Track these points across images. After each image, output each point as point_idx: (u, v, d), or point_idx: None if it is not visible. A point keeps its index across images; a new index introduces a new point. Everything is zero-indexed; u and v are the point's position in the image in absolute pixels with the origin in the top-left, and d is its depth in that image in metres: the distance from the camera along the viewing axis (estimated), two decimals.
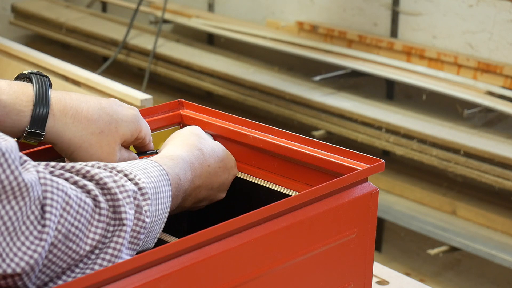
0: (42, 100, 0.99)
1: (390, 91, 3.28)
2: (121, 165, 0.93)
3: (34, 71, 1.04)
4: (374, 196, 1.04)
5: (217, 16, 3.86)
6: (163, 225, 0.95)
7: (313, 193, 0.96)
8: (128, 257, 0.88)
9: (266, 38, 3.47)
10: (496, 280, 2.93)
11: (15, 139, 0.94)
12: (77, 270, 0.84)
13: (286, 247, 0.94)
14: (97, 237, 0.85)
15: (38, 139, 1.00)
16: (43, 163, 0.86)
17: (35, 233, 0.78)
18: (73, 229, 0.83)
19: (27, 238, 0.78)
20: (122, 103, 1.08)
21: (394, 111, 3.03)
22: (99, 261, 0.85)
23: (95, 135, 1.03)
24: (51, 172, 0.85)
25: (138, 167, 0.95)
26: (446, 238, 2.76)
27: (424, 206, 2.95)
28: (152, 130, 1.18)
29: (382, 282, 1.31)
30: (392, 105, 3.12)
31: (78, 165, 0.89)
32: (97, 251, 0.86)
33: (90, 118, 1.02)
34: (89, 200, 0.85)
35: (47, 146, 1.07)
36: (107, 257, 0.86)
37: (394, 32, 3.26)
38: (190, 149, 1.07)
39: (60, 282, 0.83)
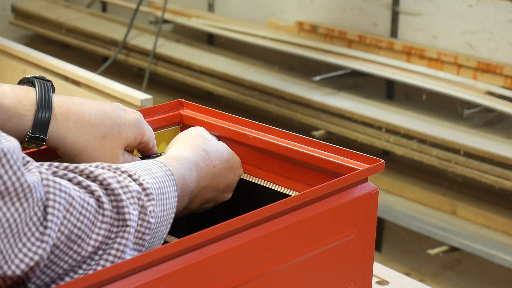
0: (44, 105, 0.99)
1: (390, 91, 3.28)
2: (125, 166, 0.93)
3: (37, 75, 1.04)
4: (374, 196, 1.04)
5: (217, 16, 3.86)
6: (169, 226, 0.95)
7: (313, 193, 0.96)
8: None
9: (266, 38, 3.47)
10: (496, 280, 2.93)
11: None
12: (80, 271, 0.84)
13: (286, 247, 0.94)
14: (100, 238, 0.85)
15: (40, 143, 1.00)
16: (47, 163, 0.86)
17: (37, 234, 0.78)
18: (75, 230, 0.83)
19: (28, 239, 0.78)
20: (125, 107, 1.08)
21: (394, 111, 3.03)
22: (102, 262, 0.85)
23: (97, 140, 1.02)
24: (54, 173, 0.85)
25: (142, 167, 0.95)
26: (446, 238, 2.76)
27: (424, 206, 2.95)
28: (153, 130, 1.18)
29: (382, 282, 1.31)
30: (392, 105, 3.12)
31: (81, 165, 0.88)
32: (100, 252, 0.85)
33: (92, 122, 1.02)
34: (92, 201, 0.85)
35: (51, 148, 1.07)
36: (110, 258, 0.86)
37: (394, 32, 3.26)
38: (195, 150, 1.07)
39: (62, 283, 0.83)
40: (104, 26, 4.04)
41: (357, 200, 1.01)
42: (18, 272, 0.77)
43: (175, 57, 3.63)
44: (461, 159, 2.73)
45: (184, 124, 1.25)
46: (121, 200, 0.87)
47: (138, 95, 1.85)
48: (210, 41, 3.99)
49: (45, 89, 1.00)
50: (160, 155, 1.10)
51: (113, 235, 0.86)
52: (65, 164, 0.88)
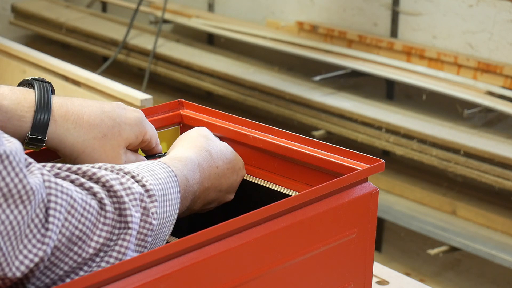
0: (43, 106, 0.99)
1: (390, 91, 3.28)
2: (128, 167, 0.93)
3: (37, 77, 1.04)
4: (374, 196, 1.04)
5: (217, 16, 3.86)
6: (172, 227, 0.95)
7: (313, 193, 0.96)
8: None
9: (266, 38, 3.47)
10: (496, 280, 2.93)
11: None
12: (81, 273, 0.84)
13: (286, 247, 0.94)
14: (101, 240, 0.85)
15: (40, 145, 1.00)
16: (49, 164, 0.86)
17: (38, 236, 0.78)
18: (77, 232, 0.82)
19: (30, 241, 0.77)
20: (126, 106, 1.08)
21: (394, 111, 3.03)
22: (103, 264, 0.85)
23: (97, 140, 1.02)
24: (57, 174, 0.85)
25: (146, 168, 0.95)
26: (446, 238, 2.76)
27: (424, 206, 2.95)
28: None
29: (382, 282, 1.31)
30: (392, 105, 3.12)
31: (84, 166, 0.88)
32: (101, 254, 0.85)
33: (92, 122, 1.02)
34: (94, 203, 0.85)
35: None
36: (112, 260, 0.85)
37: (394, 32, 3.26)
38: (199, 151, 1.07)
39: None
40: (104, 26, 4.04)
41: (357, 200, 1.01)
42: (18, 274, 0.76)
43: (175, 57, 3.63)
44: (461, 159, 2.73)
45: (184, 124, 1.25)
46: (123, 202, 0.87)
47: (138, 95, 1.85)
48: (210, 41, 3.99)
49: (44, 91, 1.00)
50: (164, 155, 1.10)
51: (114, 237, 0.86)
52: (68, 165, 0.87)
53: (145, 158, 1.09)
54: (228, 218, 0.89)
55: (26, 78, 1.04)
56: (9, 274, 0.76)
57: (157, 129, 1.21)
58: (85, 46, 4.03)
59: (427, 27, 3.15)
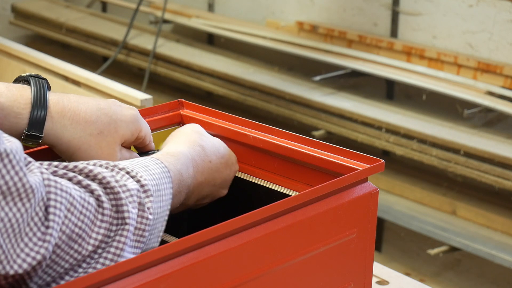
0: (40, 103, 0.99)
1: (390, 91, 3.28)
2: (122, 163, 0.93)
3: (33, 74, 1.04)
4: (374, 196, 1.04)
5: (217, 16, 3.86)
6: (165, 223, 0.95)
7: (313, 193, 0.96)
8: (131, 256, 0.88)
9: (266, 38, 3.47)
10: (496, 280, 2.93)
11: None
12: (80, 270, 0.84)
13: (286, 247, 0.94)
14: (99, 237, 0.85)
15: (37, 141, 1.00)
16: (46, 162, 0.86)
17: (38, 234, 0.78)
18: (76, 230, 0.83)
19: (30, 239, 0.78)
20: (121, 103, 1.08)
21: (394, 111, 3.03)
22: (101, 260, 0.86)
23: (94, 136, 1.03)
24: (54, 172, 0.86)
25: (139, 164, 0.95)
26: (446, 238, 2.76)
27: (424, 206, 2.95)
28: (152, 130, 1.18)
29: (382, 282, 1.31)
30: (392, 105, 3.12)
31: (80, 164, 0.89)
32: (99, 251, 0.86)
33: (88, 119, 1.02)
34: (92, 200, 0.85)
35: (48, 146, 1.07)
36: (110, 256, 0.86)
37: (394, 32, 3.26)
38: (192, 146, 1.08)
39: (62, 282, 0.83)
40: (104, 26, 4.04)
41: (357, 200, 1.01)
42: (20, 271, 0.77)
43: (175, 57, 3.63)
44: (461, 159, 2.73)
45: (184, 124, 1.25)
46: (120, 199, 0.87)
47: (138, 95, 1.85)
48: (210, 41, 3.99)
49: (41, 87, 1.00)
50: (157, 151, 1.10)
51: (112, 234, 0.86)
52: (64, 164, 0.88)
53: (138, 155, 1.09)
54: (228, 218, 0.89)
55: (22, 75, 1.04)
56: (11, 272, 0.76)
57: (157, 129, 1.21)
58: (85, 46, 4.03)
59: (427, 27, 3.15)
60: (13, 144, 0.77)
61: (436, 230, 2.80)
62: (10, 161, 0.75)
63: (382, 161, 1.04)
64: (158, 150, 1.11)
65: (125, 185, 0.88)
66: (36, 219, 0.78)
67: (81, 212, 0.83)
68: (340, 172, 1.06)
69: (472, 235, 2.74)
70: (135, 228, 0.89)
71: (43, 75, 1.78)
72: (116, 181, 0.88)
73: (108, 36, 3.91)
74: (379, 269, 1.34)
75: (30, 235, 0.78)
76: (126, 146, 1.08)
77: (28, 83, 1.02)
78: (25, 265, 0.77)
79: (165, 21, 3.84)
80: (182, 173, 1.01)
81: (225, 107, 3.60)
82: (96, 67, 3.82)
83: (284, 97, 3.22)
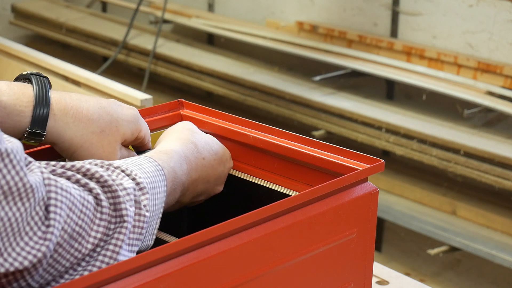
0: (42, 101, 0.99)
1: (390, 91, 3.28)
2: (117, 162, 0.93)
3: (33, 72, 1.04)
4: (374, 196, 1.04)
5: (217, 16, 3.86)
6: (159, 221, 0.96)
7: (313, 193, 0.96)
8: (129, 254, 0.88)
9: (266, 38, 3.47)
10: (496, 280, 2.93)
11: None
12: (79, 268, 0.85)
13: (286, 247, 0.94)
14: (99, 235, 0.86)
15: (39, 139, 1.00)
16: (44, 162, 0.87)
17: (39, 233, 0.79)
18: (77, 228, 0.83)
19: (31, 238, 0.78)
20: (121, 103, 1.08)
21: (394, 111, 3.03)
22: (100, 257, 0.86)
23: (96, 134, 1.03)
24: (52, 171, 0.86)
25: (133, 163, 0.95)
26: (446, 238, 2.76)
27: (424, 206, 2.95)
28: (152, 130, 1.19)
29: (382, 282, 1.31)
30: (392, 105, 3.12)
31: (77, 163, 0.89)
32: (98, 249, 0.86)
33: (90, 117, 1.02)
34: (91, 199, 0.86)
35: (47, 146, 1.08)
36: (108, 253, 0.86)
37: (394, 32, 3.26)
38: (184, 143, 1.08)
39: (62, 281, 0.83)
40: (104, 26, 4.04)
41: (357, 200, 1.01)
42: (21, 268, 0.77)
43: (175, 57, 3.63)
44: (461, 159, 2.73)
45: None
46: (118, 197, 0.87)
47: (138, 95, 1.85)
48: (210, 41, 3.99)
49: (42, 85, 1.00)
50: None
51: (111, 232, 0.87)
52: (62, 163, 0.88)
53: (136, 154, 1.10)
54: (228, 218, 0.89)
55: (23, 73, 1.04)
56: (11, 269, 0.76)
57: (157, 129, 1.21)
58: (85, 46, 4.03)
59: (427, 27, 3.15)
60: (14, 144, 0.77)
61: (436, 230, 2.80)
62: (11, 160, 0.76)
63: (382, 161, 1.04)
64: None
65: (121, 184, 0.89)
66: (36, 218, 0.78)
67: (81, 211, 0.84)
68: (340, 172, 1.06)
69: (472, 235, 2.74)
70: (133, 226, 0.89)
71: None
72: (113, 180, 0.89)
73: (108, 36, 3.91)
74: (379, 269, 1.34)
75: (31, 234, 0.78)
76: (126, 145, 1.08)
77: (30, 81, 1.02)
78: (26, 263, 0.77)
79: (165, 21, 3.84)
80: (176, 171, 1.01)
81: (225, 107, 3.60)
82: (96, 67, 3.82)
83: (284, 97, 3.22)
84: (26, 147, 1.04)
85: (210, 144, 1.12)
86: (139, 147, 1.12)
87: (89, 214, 0.85)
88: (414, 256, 3.13)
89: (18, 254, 0.77)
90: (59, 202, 0.81)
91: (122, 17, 4.18)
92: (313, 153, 1.10)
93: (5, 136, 0.79)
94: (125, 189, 0.89)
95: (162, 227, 0.99)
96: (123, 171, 0.92)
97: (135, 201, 0.90)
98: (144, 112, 1.20)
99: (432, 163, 2.83)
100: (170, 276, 0.82)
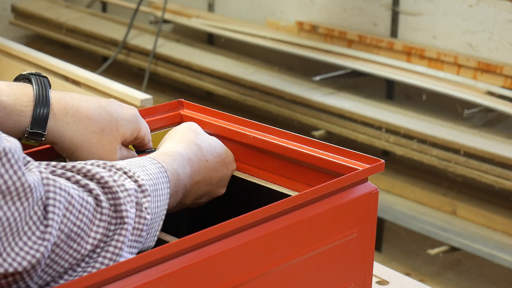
0: (42, 100, 0.99)
1: (390, 91, 3.28)
2: (120, 163, 0.93)
3: (33, 72, 1.04)
4: (374, 196, 1.04)
5: (217, 16, 3.86)
6: (161, 223, 0.95)
7: (313, 193, 0.96)
8: (129, 255, 0.88)
9: (266, 38, 3.47)
10: (496, 280, 2.93)
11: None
12: (79, 269, 0.85)
13: (286, 247, 0.94)
14: (98, 236, 0.85)
15: (40, 139, 1.00)
16: (44, 162, 0.86)
17: (37, 233, 0.79)
18: (75, 229, 0.83)
19: (29, 238, 0.78)
20: (121, 103, 1.09)
21: (394, 111, 3.03)
22: (100, 259, 0.86)
23: (96, 134, 1.03)
24: (52, 172, 0.86)
25: (136, 164, 0.95)
26: (446, 238, 2.76)
27: (424, 206, 2.95)
28: (152, 130, 1.19)
29: (382, 282, 1.31)
30: (392, 105, 3.12)
31: (78, 164, 0.89)
32: (98, 250, 0.86)
33: (91, 117, 1.02)
34: (91, 200, 0.85)
35: (47, 146, 1.08)
36: (108, 255, 0.86)
37: (394, 32, 3.26)
38: (188, 145, 1.08)
39: (62, 281, 0.83)
40: (104, 26, 4.04)
41: (357, 200, 1.01)
42: (20, 269, 0.77)
43: (175, 57, 3.63)
44: (461, 159, 2.73)
45: None
46: (118, 198, 0.87)
47: (138, 95, 1.85)
48: (210, 41, 3.99)
49: (42, 85, 1.01)
50: (154, 150, 1.10)
51: (111, 233, 0.87)
52: (62, 164, 0.88)
53: (136, 154, 1.10)
54: (227, 218, 0.89)
55: (23, 73, 1.04)
56: (10, 270, 0.76)
57: (157, 129, 1.21)
58: (85, 46, 4.03)
59: (427, 27, 3.15)
60: (12, 143, 0.77)
61: (436, 230, 2.80)
62: (9, 160, 0.76)
63: (382, 161, 1.04)
64: (155, 149, 1.11)
65: (123, 185, 0.89)
66: (34, 218, 0.78)
67: (79, 211, 0.84)
68: (340, 172, 1.06)
69: (472, 235, 2.74)
70: (133, 228, 0.89)
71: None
72: (114, 181, 0.88)
73: (108, 36, 3.91)
74: (379, 269, 1.34)
75: (29, 234, 0.78)
76: (126, 145, 1.08)
77: (29, 81, 1.02)
78: (25, 263, 0.77)
79: (165, 21, 3.84)
80: (179, 173, 1.01)
81: (225, 107, 3.60)
82: (96, 67, 3.82)
83: (284, 97, 3.22)
84: (26, 147, 1.04)
85: (214, 146, 1.12)
86: (139, 147, 1.12)
87: (88, 215, 0.85)
88: (414, 256, 3.13)
89: (17, 254, 0.77)
90: (58, 202, 0.81)
91: (122, 17, 4.18)
92: (313, 153, 1.10)
93: (4, 135, 0.79)
94: (126, 190, 0.89)
95: (162, 227, 0.99)
96: (125, 172, 0.91)
97: (137, 203, 0.90)
98: (144, 112, 1.20)
99: (432, 163, 2.83)
100: (170, 276, 0.82)
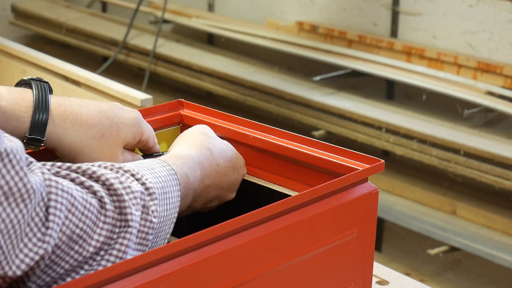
0: (41, 106, 0.99)
1: (390, 91, 3.28)
2: (128, 165, 0.93)
3: (34, 77, 1.04)
4: (374, 196, 1.04)
5: (217, 16, 3.86)
6: (172, 226, 0.95)
7: (313, 193, 0.96)
8: None
9: (266, 38, 3.47)
10: (496, 280, 2.93)
11: None
12: (82, 271, 0.84)
13: (286, 247, 0.94)
14: (101, 238, 0.85)
15: (38, 144, 1.00)
16: (49, 163, 0.86)
17: (38, 235, 0.78)
18: (77, 231, 0.83)
19: (30, 240, 0.78)
20: (123, 106, 1.08)
21: (394, 111, 3.03)
22: (103, 262, 0.85)
23: (95, 139, 1.02)
24: (57, 173, 0.85)
25: (145, 166, 0.95)
26: (446, 238, 2.76)
27: (424, 206, 2.95)
28: None
29: (382, 282, 1.31)
30: (392, 105, 3.12)
31: (84, 165, 0.88)
32: (102, 253, 0.85)
33: (90, 122, 1.02)
34: (94, 202, 0.85)
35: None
36: (112, 258, 0.86)
37: (394, 32, 3.26)
38: (199, 149, 1.07)
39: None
40: (104, 26, 4.04)
41: (357, 200, 1.01)
42: (18, 272, 0.77)
43: (175, 57, 3.63)
44: (461, 159, 2.73)
45: (184, 124, 1.25)
46: (124, 201, 0.87)
47: (138, 95, 1.85)
48: (210, 41, 3.99)
49: (42, 91, 1.00)
50: (162, 154, 1.10)
51: (115, 236, 0.86)
52: (68, 164, 0.88)
53: (142, 158, 1.09)
54: (228, 218, 0.89)
55: (24, 78, 1.04)
56: (10, 273, 0.76)
57: (157, 129, 1.21)
58: (85, 46, 4.03)
59: (427, 27, 3.15)
60: (14, 144, 0.77)
61: (436, 230, 2.80)
62: (10, 160, 0.75)
63: (382, 161, 1.04)
64: (163, 152, 1.10)
65: (129, 187, 0.88)
66: (36, 219, 0.78)
67: (82, 213, 0.83)
68: (340, 172, 1.06)
69: (472, 235, 2.74)
70: (138, 230, 0.88)
71: (43, 75, 1.79)
72: (120, 183, 0.88)
73: (108, 36, 3.91)
74: (379, 269, 1.34)
75: (30, 235, 0.78)
76: (129, 148, 1.08)
77: (30, 87, 1.02)
78: (23, 266, 0.77)
79: (165, 21, 3.84)
80: (189, 176, 1.01)
81: (225, 107, 3.60)
82: (96, 67, 3.82)
83: (284, 97, 3.22)
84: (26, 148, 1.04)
85: (225, 150, 1.11)
86: (145, 151, 1.12)
87: (92, 217, 0.84)
88: (414, 256, 3.13)
89: (17, 256, 0.77)
90: (59, 204, 0.80)
91: (122, 17, 4.18)
92: (313, 153, 1.10)
93: (6, 135, 0.79)
94: (132, 192, 0.88)
95: None
96: (133, 174, 0.91)
97: (143, 206, 0.89)
98: (144, 112, 1.20)
99: (432, 163, 2.83)
100: (170, 276, 0.82)
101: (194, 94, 3.89)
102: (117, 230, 0.86)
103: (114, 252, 0.86)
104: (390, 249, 3.19)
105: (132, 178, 0.90)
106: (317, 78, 3.22)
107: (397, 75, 3.02)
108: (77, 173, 0.87)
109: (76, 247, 0.83)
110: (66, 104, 1.02)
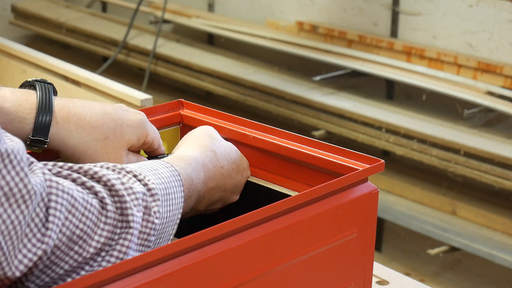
0: (45, 108, 0.99)
1: (390, 91, 3.28)
2: (130, 166, 0.92)
3: (39, 78, 1.04)
4: (374, 196, 1.04)
5: (217, 16, 3.86)
6: (176, 227, 0.95)
7: (313, 193, 0.96)
8: None
9: (266, 38, 3.47)
10: (496, 280, 2.93)
11: None
12: (83, 272, 0.84)
13: (286, 247, 0.94)
14: (102, 239, 0.85)
15: (42, 146, 1.00)
16: (51, 163, 0.86)
17: (38, 235, 0.78)
18: (77, 231, 0.82)
19: (29, 240, 0.77)
20: (128, 108, 1.08)
21: (394, 111, 3.03)
22: (104, 263, 0.85)
23: (99, 141, 1.02)
24: (58, 173, 0.85)
25: (148, 168, 0.94)
26: (446, 238, 2.76)
27: (424, 206, 2.95)
28: None
29: (382, 282, 1.31)
30: (392, 105, 3.12)
31: (86, 166, 0.88)
32: (103, 254, 0.85)
33: (94, 124, 1.02)
34: (95, 202, 0.85)
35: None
36: (113, 259, 0.86)
37: (394, 32, 3.26)
38: (203, 150, 1.07)
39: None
40: (104, 26, 4.04)
41: (357, 200, 1.01)
42: (17, 273, 0.76)
43: (175, 57, 3.63)
44: (461, 159, 2.73)
45: (184, 124, 1.25)
46: (125, 202, 0.86)
47: (138, 95, 1.85)
48: (210, 41, 3.99)
49: (46, 92, 1.00)
50: (167, 155, 1.10)
51: (116, 237, 0.86)
52: (70, 164, 0.87)
53: (146, 159, 1.09)
54: (228, 218, 0.89)
55: (28, 80, 1.04)
56: (9, 274, 0.76)
57: (157, 129, 1.21)
58: (85, 46, 4.03)
59: (427, 27, 3.15)
60: (15, 144, 0.77)
61: (436, 230, 2.80)
62: (11, 161, 0.75)
63: (382, 161, 1.04)
64: (168, 154, 1.10)
65: (131, 188, 0.88)
66: (36, 220, 0.78)
67: (83, 214, 0.83)
68: (340, 172, 1.06)
69: (472, 235, 2.74)
70: (140, 232, 0.88)
71: (43, 75, 1.79)
72: (122, 184, 0.87)
73: (108, 36, 3.91)
74: (379, 269, 1.34)
75: (30, 236, 0.78)
76: (133, 150, 1.08)
77: (34, 88, 1.01)
78: (21, 267, 0.77)
79: (165, 21, 3.84)
80: (192, 178, 1.00)
81: (225, 107, 3.60)
82: (96, 67, 3.82)
83: (284, 97, 3.22)
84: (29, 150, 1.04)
85: (229, 152, 1.11)
86: (150, 152, 1.11)
87: (92, 218, 0.84)
88: (414, 256, 3.13)
89: (15, 257, 0.76)
90: (59, 205, 0.80)
91: (122, 17, 4.18)
92: (313, 153, 1.10)
93: (8, 134, 0.78)
94: (133, 193, 0.88)
95: None
96: (135, 175, 0.90)
97: (145, 207, 0.89)
98: (144, 112, 1.19)
99: (432, 163, 2.83)
100: (170, 276, 0.82)
101: (194, 94, 3.89)
102: (118, 231, 0.86)
103: (115, 253, 0.86)
104: (390, 249, 3.19)
105: (134, 179, 0.90)
106: (317, 78, 3.22)
107: (397, 75, 3.02)
108: (78, 173, 0.87)
109: (76, 248, 0.83)
110: (70, 105, 1.02)
